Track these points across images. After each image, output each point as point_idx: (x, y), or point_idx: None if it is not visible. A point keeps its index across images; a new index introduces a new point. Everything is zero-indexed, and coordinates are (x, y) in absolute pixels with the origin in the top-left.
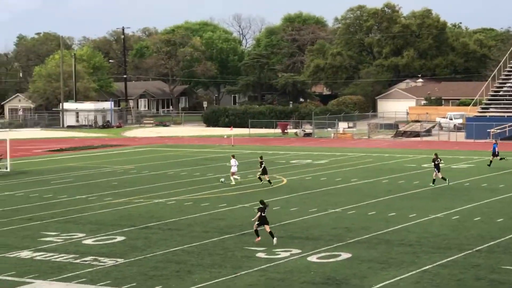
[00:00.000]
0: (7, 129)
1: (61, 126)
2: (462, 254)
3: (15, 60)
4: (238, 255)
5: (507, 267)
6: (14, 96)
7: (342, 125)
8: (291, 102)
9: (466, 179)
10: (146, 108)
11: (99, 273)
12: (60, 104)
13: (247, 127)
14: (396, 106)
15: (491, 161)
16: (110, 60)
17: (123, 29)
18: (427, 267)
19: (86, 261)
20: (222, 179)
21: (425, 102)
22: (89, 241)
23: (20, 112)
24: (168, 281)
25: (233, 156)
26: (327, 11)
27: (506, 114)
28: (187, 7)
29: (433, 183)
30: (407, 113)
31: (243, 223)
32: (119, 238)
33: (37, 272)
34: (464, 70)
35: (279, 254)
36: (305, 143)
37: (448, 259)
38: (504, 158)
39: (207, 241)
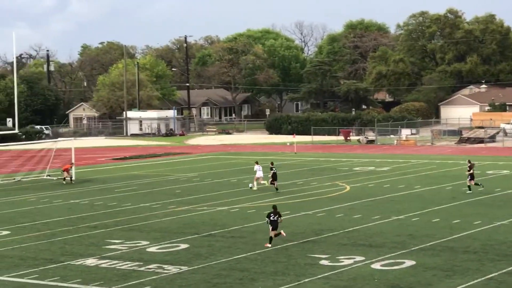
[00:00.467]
0: (72, 138)
1: (124, 134)
2: None
3: (79, 69)
4: (302, 262)
5: None
6: (78, 105)
7: (405, 132)
8: (353, 109)
9: None
10: (209, 116)
11: (163, 281)
12: (124, 112)
13: (310, 134)
14: (460, 112)
15: None
16: (173, 69)
17: (185, 38)
18: (492, 274)
19: (150, 268)
20: (250, 185)
21: (489, 108)
22: (153, 249)
23: (85, 121)
24: None
25: (257, 163)
26: (389, 17)
27: None
28: (249, 15)
29: (469, 190)
30: (471, 120)
31: (306, 231)
32: (183, 246)
33: (102, 280)
34: None
35: (343, 261)
36: (368, 150)
37: None
38: None
39: (270, 249)
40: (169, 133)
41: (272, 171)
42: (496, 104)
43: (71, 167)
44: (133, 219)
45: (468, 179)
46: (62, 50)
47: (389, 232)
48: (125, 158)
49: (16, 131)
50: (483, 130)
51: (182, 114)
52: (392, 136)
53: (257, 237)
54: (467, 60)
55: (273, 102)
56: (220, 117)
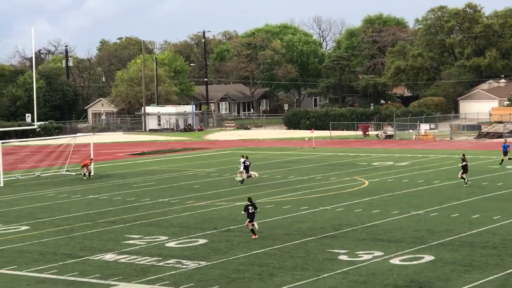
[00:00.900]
0: (91, 133)
1: (143, 129)
2: None
3: (97, 65)
4: (320, 257)
5: None
6: (97, 100)
7: (424, 127)
8: (372, 104)
9: None
10: (227, 111)
11: (182, 276)
12: (142, 108)
13: (328, 129)
14: (479, 107)
15: (502, 160)
16: (191, 64)
17: (203, 33)
18: None
19: (169, 263)
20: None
21: (508, 102)
22: (172, 244)
23: (103, 116)
24: (250, 284)
25: (243, 156)
26: (407, 12)
27: None
28: (267, 10)
29: (466, 183)
30: (490, 114)
31: (324, 226)
32: (202, 241)
33: (121, 275)
34: None
35: (362, 256)
36: (387, 145)
37: None
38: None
39: (289, 244)
40: (188, 128)
41: (244, 164)
42: None
43: (90, 162)
44: (152, 214)
45: (460, 172)
46: (81, 46)
47: (408, 227)
48: (143, 154)
49: (35, 126)
50: (502, 124)
51: (200, 109)
52: (410, 131)
53: (276, 232)
54: (486, 54)
55: (291, 97)
56: (238, 112)
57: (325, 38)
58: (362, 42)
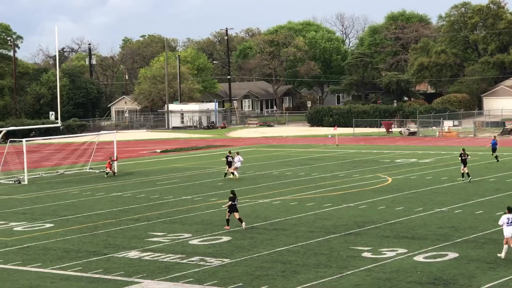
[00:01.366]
0: (114, 131)
1: (166, 127)
2: None
3: (121, 62)
4: (344, 254)
5: None
6: (120, 98)
7: (447, 124)
8: (395, 101)
9: None
10: (250, 109)
11: (205, 273)
12: (165, 105)
13: (351, 126)
14: (503, 103)
15: (496, 158)
16: (214, 61)
17: (226, 30)
18: None
19: (192, 261)
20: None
21: None
22: (195, 241)
23: (126, 114)
24: (274, 281)
25: (238, 153)
26: (430, 8)
27: None
28: (290, 7)
29: (462, 177)
30: None
31: (348, 223)
32: (225, 238)
33: (145, 272)
34: None
35: (385, 253)
36: (410, 142)
37: None
38: (496, 158)
39: (313, 241)
40: (211, 126)
41: (227, 159)
42: None
43: (112, 161)
44: (175, 212)
45: (462, 166)
46: (104, 44)
47: (432, 224)
48: (166, 151)
49: (59, 124)
50: None
51: (223, 107)
52: (434, 127)
53: (300, 229)
54: (510, 51)
55: (314, 94)
56: (261, 110)
57: (348, 35)
58: (385, 39)
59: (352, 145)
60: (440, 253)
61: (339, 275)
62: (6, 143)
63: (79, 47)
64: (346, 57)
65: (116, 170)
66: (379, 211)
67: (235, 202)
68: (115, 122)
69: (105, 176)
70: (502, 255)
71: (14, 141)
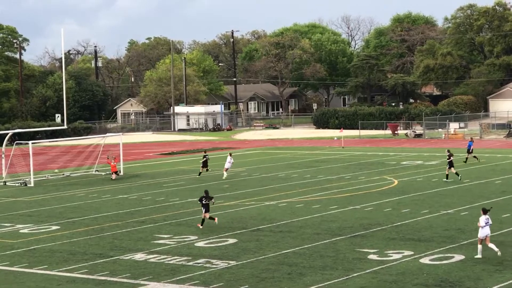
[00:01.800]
0: (120, 133)
1: (172, 129)
2: None
3: (126, 65)
4: (350, 257)
5: None
6: (126, 100)
7: (453, 126)
8: (401, 103)
9: None
10: (256, 111)
11: (211, 276)
12: (171, 107)
13: (357, 128)
14: (509, 105)
15: (476, 157)
16: (220, 64)
17: (232, 33)
18: None
19: (198, 263)
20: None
21: None
22: (201, 244)
23: (132, 116)
24: (280, 283)
25: (230, 154)
26: (436, 10)
27: None
28: (296, 9)
29: (446, 179)
30: None
31: (354, 225)
32: (231, 241)
33: (151, 274)
34: None
35: (391, 256)
36: (416, 144)
37: None
38: (476, 157)
39: (319, 243)
40: (217, 128)
41: (204, 159)
42: None
43: (111, 161)
44: (181, 214)
45: (447, 168)
46: (110, 46)
47: (438, 227)
48: (172, 153)
49: (65, 127)
50: None
51: (229, 109)
52: (440, 130)
53: (306, 231)
54: None
55: (320, 97)
56: (267, 112)
57: (353, 37)
58: (391, 41)
59: (358, 147)
60: (446, 255)
61: (345, 277)
62: (13, 145)
63: (85, 50)
64: (352, 59)
65: (121, 172)
66: (385, 213)
67: (207, 202)
68: (121, 124)
69: (112, 179)
70: (479, 255)
71: (20, 143)
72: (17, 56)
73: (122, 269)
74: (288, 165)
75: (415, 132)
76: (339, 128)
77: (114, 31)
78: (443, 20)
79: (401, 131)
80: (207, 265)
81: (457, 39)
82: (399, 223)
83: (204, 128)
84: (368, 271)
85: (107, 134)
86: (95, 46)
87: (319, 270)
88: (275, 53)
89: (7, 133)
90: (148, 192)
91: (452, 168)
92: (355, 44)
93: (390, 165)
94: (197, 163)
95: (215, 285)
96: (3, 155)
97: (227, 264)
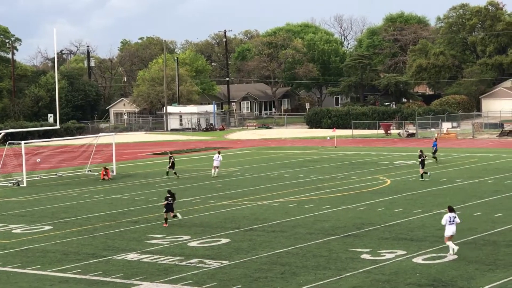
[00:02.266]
0: (113, 133)
1: (165, 129)
2: None
3: (119, 64)
4: (343, 256)
5: None
6: (118, 100)
7: (446, 125)
8: (393, 102)
9: None
10: (249, 111)
11: (204, 275)
12: (164, 107)
13: (350, 128)
14: (501, 105)
15: (435, 158)
16: (213, 63)
17: (225, 32)
18: None
19: (191, 263)
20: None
21: None
22: (194, 244)
23: (125, 116)
24: (273, 283)
25: (219, 152)
26: (429, 10)
27: None
28: (288, 9)
29: (421, 178)
30: None
31: (347, 225)
32: (224, 240)
33: (144, 274)
34: None
35: (384, 255)
36: (409, 143)
37: None
38: (435, 158)
39: (312, 243)
40: (209, 128)
41: (171, 160)
42: None
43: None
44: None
45: (420, 168)
46: (102, 46)
47: (430, 226)
48: (165, 153)
49: (58, 126)
50: None
51: (222, 109)
52: (432, 129)
53: (298, 231)
54: (508, 52)
55: (312, 96)
56: (260, 112)
57: (346, 37)
58: (384, 41)
59: (350, 147)
60: (439, 254)
61: (338, 277)
62: (5, 145)
63: (77, 50)
64: (344, 59)
65: (114, 172)
66: (378, 213)
67: (172, 202)
68: (114, 124)
69: (100, 180)
70: (451, 251)
71: (13, 143)
72: (10, 56)
73: (115, 269)
74: (281, 165)
75: (408, 131)
76: (332, 128)
77: (106, 31)
78: (436, 20)
79: (393, 131)
80: (200, 265)
81: (449, 39)
82: (392, 223)
83: (197, 128)
84: (361, 270)
85: (100, 134)
86: (88, 46)
87: (312, 269)
88: (268, 53)
89: (0, 133)
90: (141, 192)
91: (421, 169)
92: (348, 44)
93: (383, 165)
94: (190, 163)
95: (208, 285)
96: None
97: (220, 264)
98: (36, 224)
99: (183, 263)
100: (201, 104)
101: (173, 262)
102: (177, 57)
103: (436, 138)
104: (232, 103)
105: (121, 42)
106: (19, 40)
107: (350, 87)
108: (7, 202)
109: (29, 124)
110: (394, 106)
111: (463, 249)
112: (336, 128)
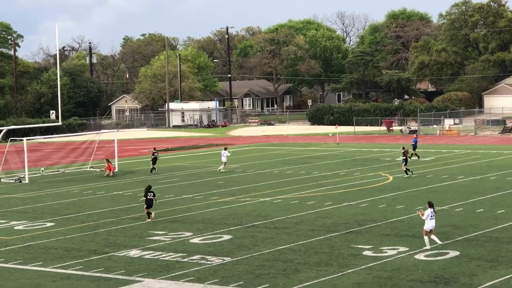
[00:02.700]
0: (115, 130)
1: (167, 126)
2: None
3: (121, 61)
4: (345, 253)
5: None
6: (121, 97)
7: (448, 122)
8: (396, 99)
9: None
10: (251, 107)
11: (206, 272)
12: (166, 104)
13: (352, 125)
14: (503, 101)
15: (417, 155)
16: (215, 60)
17: (227, 29)
18: None
19: (193, 259)
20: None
21: None
22: (196, 240)
23: (127, 113)
24: (275, 280)
25: (226, 149)
26: (431, 7)
27: None
28: (290, 5)
29: (407, 174)
30: None
31: (349, 221)
32: (226, 237)
33: (146, 271)
34: None
35: (386, 252)
36: (411, 140)
37: None
38: (417, 155)
39: (314, 240)
40: (211, 125)
41: (153, 156)
42: None
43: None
44: (176, 211)
45: (403, 164)
46: (104, 43)
47: None
48: (167, 150)
49: (60, 123)
50: None
51: (224, 105)
52: (435, 126)
53: (300, 228)
54: (510, 49)
55: (315, 93)
56: (262, 108)
57: (348, 34)
58: (386, 37)
59: (353, 144)
60: (441, 251)
61: (340, 274)
62: (7, 142)
63: (79, 46)
64: (346, 56)
65: (116, 169)
66: (380, 210)
67: (151, 197)
68: (116, 121)
69: (103, 176)
70: (428, 246)
71: (15, 140)
72: (12, 52)
73: (117, 265)
74: (282, 162)
75: (410, 128)
76: (334, 125)
77: (108, 28)
78: (438, 16)
79: (396, 127)
80: (202, 261)
81: (451, 35)
82: (394, 219)
83: (198, 125)
84: (363, 267)
85: (102, 131)
86: (90, 43)
87: (314, 266)
88: (270, 50)
89: (2, 130)
90: (143, 189)
91: (404, 166)
92: (350, 41)
93: (385, 161)
94: (192, 159)
95: (210, 281)
96: None
97: (222, 260)
98: (38, 220)
99: (185, 259)
100: (203, 100)
101: (175, 259)
102: (179, 54)
103: (416, 135)
104: (234, 100)
105: (123, 39)
106: (21, 36)
107: (352, 84)
108: (9, 198)
109: (31, 120)
110: (396, 103)
111: (465, 246)
112: (338, 124)
